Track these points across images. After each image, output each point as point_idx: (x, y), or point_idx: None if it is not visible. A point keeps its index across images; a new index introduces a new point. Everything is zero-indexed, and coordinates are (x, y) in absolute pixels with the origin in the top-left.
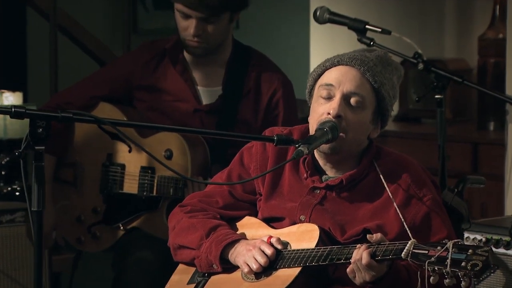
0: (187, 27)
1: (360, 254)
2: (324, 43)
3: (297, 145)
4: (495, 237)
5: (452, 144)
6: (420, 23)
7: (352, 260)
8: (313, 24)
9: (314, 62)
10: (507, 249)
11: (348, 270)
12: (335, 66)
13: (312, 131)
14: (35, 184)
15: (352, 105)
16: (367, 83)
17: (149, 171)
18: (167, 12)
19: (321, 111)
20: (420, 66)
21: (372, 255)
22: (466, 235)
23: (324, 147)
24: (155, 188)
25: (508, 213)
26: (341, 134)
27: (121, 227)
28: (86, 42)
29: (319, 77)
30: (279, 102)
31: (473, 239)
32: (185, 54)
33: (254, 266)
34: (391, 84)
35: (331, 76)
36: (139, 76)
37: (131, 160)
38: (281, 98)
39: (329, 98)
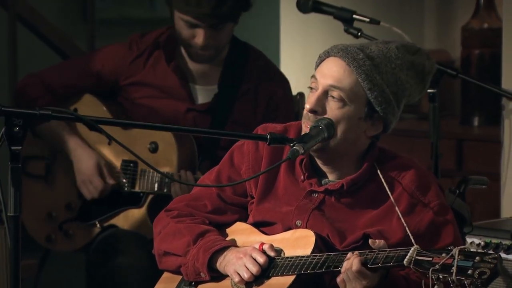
0: (192, 36)
1: (350, 262)
2: (295, 34)
3: (291, 144)
4: (495, 240)
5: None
6: (398, 12)
7: (342, 270)
8: (283, 14)
9: (285, 55)
10: (507, 254)
11: (338, 280)
12: (327, 57)
13: (303, 127)
14: (12, 187)
15: (335, 99)
16: (353, 75)
17: (131, 165)
18: (123, 1)
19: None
20: None
21: (364, 263)
22: None
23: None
24: (137, 183)
25: (505, 215)
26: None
27: (97, 225)
28: (47, 33)
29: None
30: (279, 104)
31: (471, 243)
32: (182, 50)
33: (246, 275)
34: (393, 80)
35: (320, 67)
36: (126, 73)
37: (111, 152)
38: (281, 99)
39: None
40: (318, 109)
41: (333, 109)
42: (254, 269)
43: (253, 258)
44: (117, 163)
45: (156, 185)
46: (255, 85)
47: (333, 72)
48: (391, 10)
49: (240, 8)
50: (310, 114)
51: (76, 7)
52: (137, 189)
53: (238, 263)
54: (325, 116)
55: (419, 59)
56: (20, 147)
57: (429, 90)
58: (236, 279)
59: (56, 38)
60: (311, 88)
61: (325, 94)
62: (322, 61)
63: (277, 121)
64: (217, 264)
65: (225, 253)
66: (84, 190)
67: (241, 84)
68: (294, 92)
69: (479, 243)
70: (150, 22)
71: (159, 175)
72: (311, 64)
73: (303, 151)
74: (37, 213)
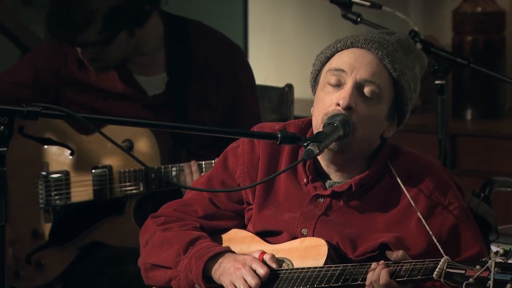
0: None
1: (377, 274)
2: (264, 17)
3: (305, 144)
4: None
5: (423, 135)
6: None
7: (367, 282)
8: None
9: (253, 41)
10: None
11: None
12: (347, 48)
13: (317, 124)
14: None
15: (366, 96)
16: (385, 71)
17: (105, 170)
18: None
19: (328, 101)
20: (418, 46)
21: (392, 274)
22: None
23: (332, 144)
24: (117, 188)
25: None
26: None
27: (76, 245)
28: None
29: (327, 61)
30: (239, 72)
31: None
32: None
33: None
34: (413, 75)
35: (342, 60)
36: (64, 75)
37: (76, 163)
38: (240, 66)
39: (338, 85)
40: (353, 106)
41: (364, 106)
42: (253, 282)
43: (252, 270)
44: (86, 172)
45: (141, 184)
46: (206, 58)
47: (365, 65)
48: None
49: (123, 24)
50: (344, 112)
51: None
52: (118, 194)
53: (235, 274)
54: (352, 112)
55: (421, 53)
56: (6, 149)
57: (437, 82)
58: None
59: (12, 24)
60: (330, 84)
61: (357, 89)
62: (336, 52)
63: (244, 91)
64: (212, 273)
65: (220, 260)
66: None
67: (190, 62)
68: (282, 83)
69: (497, 251)
70: None
71: (142, 173)
72: (280, 51)
73: (318, 151)
74: None
